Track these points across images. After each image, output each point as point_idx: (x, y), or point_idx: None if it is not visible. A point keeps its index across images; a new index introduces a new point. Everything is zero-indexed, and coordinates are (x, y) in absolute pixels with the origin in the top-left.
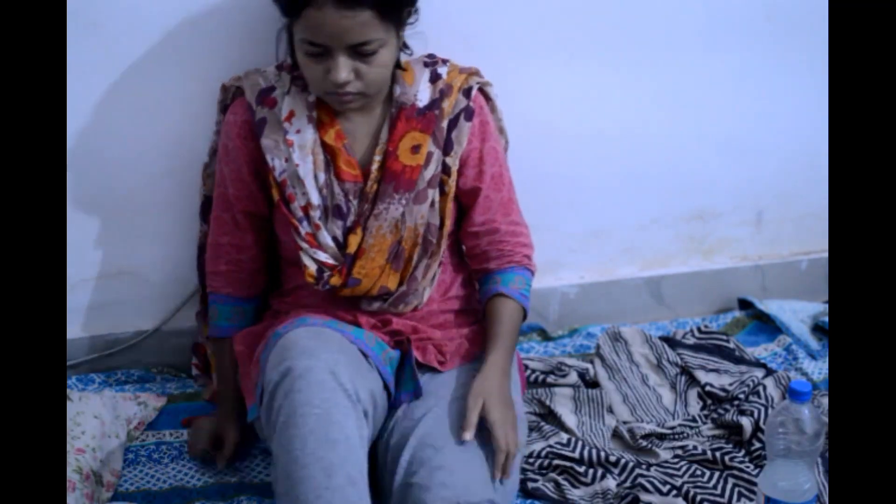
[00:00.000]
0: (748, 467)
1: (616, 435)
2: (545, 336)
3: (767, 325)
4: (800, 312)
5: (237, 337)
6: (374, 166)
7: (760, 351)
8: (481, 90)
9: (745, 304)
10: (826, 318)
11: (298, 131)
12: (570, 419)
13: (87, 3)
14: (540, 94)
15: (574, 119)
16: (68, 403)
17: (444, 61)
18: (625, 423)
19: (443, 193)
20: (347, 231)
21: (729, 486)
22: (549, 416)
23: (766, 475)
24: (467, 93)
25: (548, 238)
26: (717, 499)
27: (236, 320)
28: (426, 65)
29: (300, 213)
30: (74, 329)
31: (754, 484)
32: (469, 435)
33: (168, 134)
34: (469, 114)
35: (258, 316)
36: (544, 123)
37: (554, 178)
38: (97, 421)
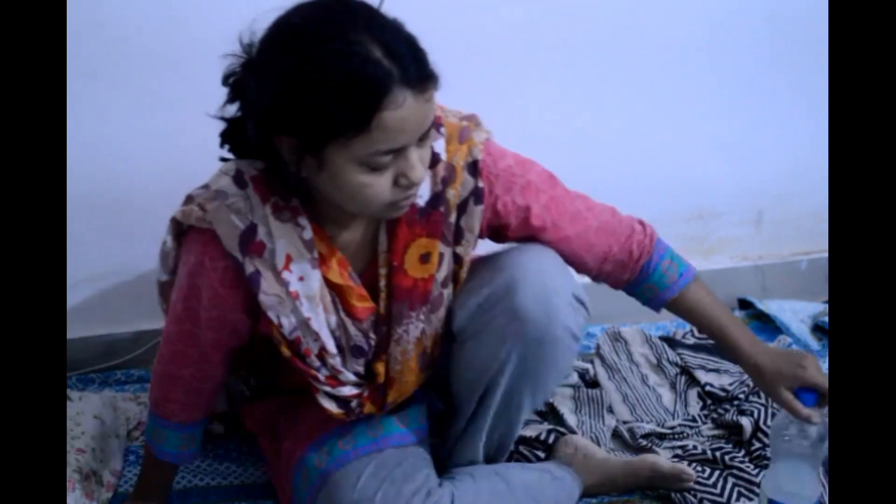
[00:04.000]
0: (748, 467)
1: (616, 434)
2: None
3: (767, 326)
4: (800, 312)
5: (249, 415)
6: (382, 282)
7: None
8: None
9: (745, 304)
10: (826, 318)
11: (301, 279)
12: (570, 419)
13: (90, 2)
14: (540, 96)
15: (574, 120)
16: (69, 403)
17: (439, 126)
18: (625, 422)
19: (457, 283)
20: (370, 364)
21: (729, 486)
22: (551, 414)
23: (769, 477)
24: (472, 168)
25: None
26: (717, 498)
27: (186, 447)
28: None
29: (317, 363)
30: (74, 329)
31: (754, 484)
32: (818, 417)
33: (169, 133)
34: (479, 196)
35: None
36: (544, 125)
37: None
38: (97, 421)
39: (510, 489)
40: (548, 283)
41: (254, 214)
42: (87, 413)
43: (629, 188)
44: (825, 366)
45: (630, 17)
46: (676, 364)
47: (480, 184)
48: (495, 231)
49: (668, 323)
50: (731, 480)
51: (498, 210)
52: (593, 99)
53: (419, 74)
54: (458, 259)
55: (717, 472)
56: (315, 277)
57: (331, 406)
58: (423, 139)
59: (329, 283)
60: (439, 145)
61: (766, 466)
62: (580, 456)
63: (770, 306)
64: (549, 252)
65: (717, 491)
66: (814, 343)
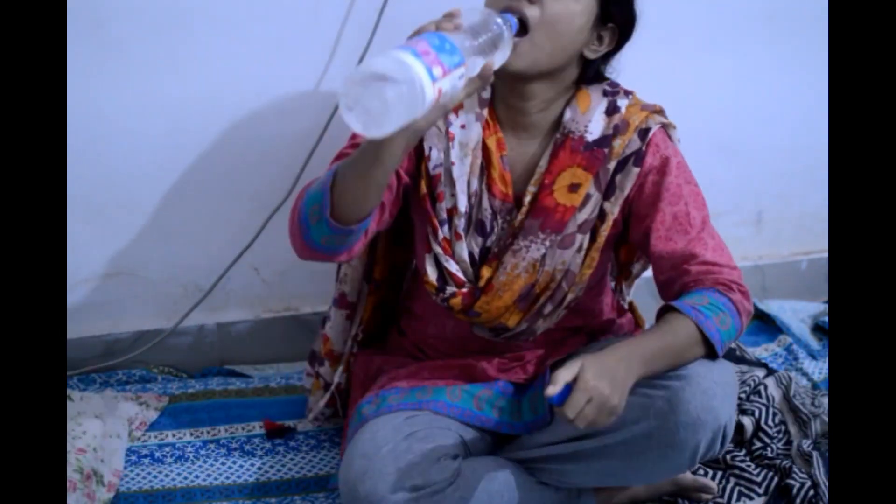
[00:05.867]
0: (749, 466)
1: None
2: None
3: (768, 325)
4: (800, 312)
5: (358, 360)
6: (528, 198)
7: (761, 351)
8: (664, 129)
9: None
10: (826, 318)
11: (463, 126)
12: None
13: (90, 2)
14: None
15: None
16: (69, 403)
17: (627, 93)
18: None
19: (593, 240)
20: (484, 254)
21: (730, 486)
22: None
23: None
24: (643, 134)
25: None
26: (717, 499)
27: None
28: (605, 94)
29: (444, 215)
30: (74, 329)
31: (755, 483)
32: (552, 389)
33: (168, 133)
34: (639, 158)
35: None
36: None
37: None
38: (98, 421)
39: (522, 490)
40: (716, 405)
41: None
42: (87, 413)
43: None
44: (825, 366)
45: None
46: None
47: (644, 148)
48: (627, 215)
49: None
50: (732, 481)
51: (644, 186)
52: None
53: None
54: (602, 214)
55: (718, 473)
56: (475, 130)
57: (432, 273)
58: None
59: (484, 150)
60: (623, 103)
61: (766, 466)
62: None
63: (770, 306)
64: (736, 385)
65: (718, 492)
66: (814, 343)
